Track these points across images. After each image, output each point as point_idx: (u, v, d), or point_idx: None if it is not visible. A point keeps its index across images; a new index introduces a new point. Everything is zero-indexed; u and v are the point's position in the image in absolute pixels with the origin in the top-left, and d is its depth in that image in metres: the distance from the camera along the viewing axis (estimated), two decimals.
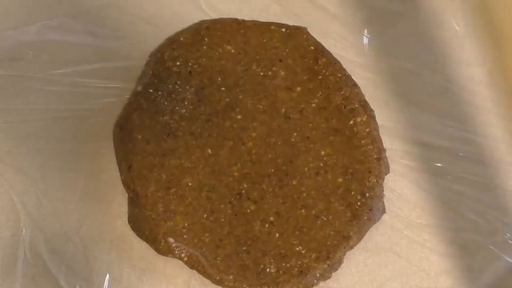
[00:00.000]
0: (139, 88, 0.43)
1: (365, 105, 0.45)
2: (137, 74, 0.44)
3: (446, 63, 0.50)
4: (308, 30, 0.47)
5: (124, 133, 0.42)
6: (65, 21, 0.46)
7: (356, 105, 0.44)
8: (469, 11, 0.52)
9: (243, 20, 0.48)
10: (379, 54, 0.49)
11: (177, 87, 0.43)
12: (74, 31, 0.46)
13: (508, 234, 0.44)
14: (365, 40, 0.50)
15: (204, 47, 0.45)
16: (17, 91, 0.44)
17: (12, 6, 0.46)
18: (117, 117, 0.43)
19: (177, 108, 0.42)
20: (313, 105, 0.44)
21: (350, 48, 0.49)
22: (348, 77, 0.46)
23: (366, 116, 0.44)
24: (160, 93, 0.43)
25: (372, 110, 0.45)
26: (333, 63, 0.46)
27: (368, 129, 0.43)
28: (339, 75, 0.45)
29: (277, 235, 0.40)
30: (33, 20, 0.46)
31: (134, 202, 0.41)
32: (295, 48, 0.46)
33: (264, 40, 0.47)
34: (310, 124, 0.44)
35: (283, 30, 0.47)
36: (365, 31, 0.50)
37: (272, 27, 0.47)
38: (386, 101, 0.48)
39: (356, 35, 0.50)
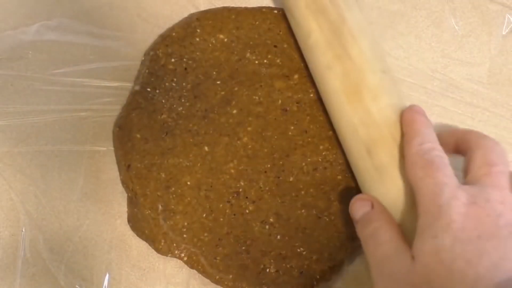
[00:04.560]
0: (137, 88, 0.43)
1: None
2: (136, 73, 0.44)
3: (446, 63, 0.50)
4: None
5: (123, 133, 0.42)
6: (64, 21, 0.46)
7: None
8: (469, 10, 0.52)
9: (234, 7, 0.47)
10: None
11: (174, 84, 0.43)
12: (73, 31, 0.46)
13: None
14: None
15: (197, 39, 0.45)
16: (16, 91, 0.44)
17: (11, 6, 0.46)
18: (116, 116, 0.43)
19: (174, 106, 0.42)
20: (311, 95, 0.44)
21: None
22: None
23: None
24: (157, 91, 0.43)
25: None
26: None
27: None
28: None
29: (278, 237, 0.40)
30: (33, 20, 0.46)
31: (134, 201, 0.41)
32: (289, 30, 0.46)
33: (257, 23, 0.46)
34: (308, 117, 0.43)
35: (275, 12, 0.46)
36: None
37: (264, 10, 0.47)
38: None
39: None
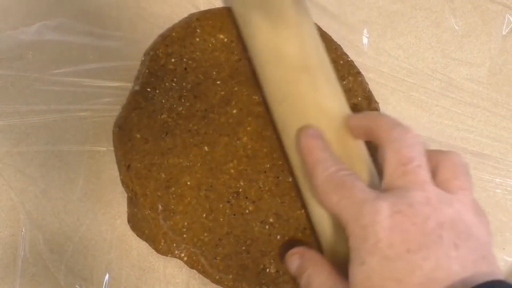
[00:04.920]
0: (137, 88, 0.43)
1: (369, 97, 0.44)
2: (136, 73, 0.44)
3: (446, 63, 0.50)
4: None
5: (123, 133, 0.42)
6: (64, 21, 0.46)
7: (360, 98, 0.44)
8: (469, 10, 0.52)
9: None
10: (379, 54, 0.49)
11: (174, 84, 0.43)
12: (73, 31, 0.46)
13: (507, 234, 0.44)
14: (365, 40, 0.50)
15: (197, 39, 0.45)
16: (16, 91, 0.44)
17: (11, 6, 0.46)
18: (116, 116, 0.43)
19: (174, 106, 0.42)
20: None
21: (350, 48, 0.49)
22: (351, 64, 0.45)
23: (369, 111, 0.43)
24: (157, 91, 0.43)
25: (376, 102, 0.44)
26: (334, 48, 0.45)
27: None
28: (341, 62, 0.45)
29: (278, 237, 0.40)
30: (33, 20, 0.46)
31: (133, 201, 0.41)
32: None
33: None
34: None
35: None
36: (365, 31, 0.50)
37: None
38: (386, 100, 0.48)
39: (356, 35, 0.50)
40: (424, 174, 0.32)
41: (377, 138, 0.34)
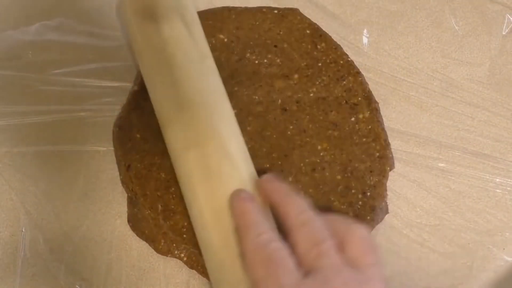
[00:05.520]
0: (136, 87, 0.43)
1: (369, 97, 0.44)
2: (136, 73, 0.44)
3: (446, 63, 0.50)
4: None
5: (123, 133, 0.42)
6: (64, 21, 0.46)
7: (359, 98, 0.44)
8: (469, 10, 0.52)
9: (234, 7, 0.47)
10: (379, 54, 0.49)
11: None
12: (73, 31, 0.46)
13: (507, 234, 0.44)
14: (365, 40, 0.50)
15: None
16: (16, 91, 0.44)
17: (12, 6, 0.46)
18: (116, 116, 0.43)
19: None
20: (311, 94, 0.44)
21: (350, 48, 0.49)
22: (351, 64, 0.45)
23: (369, 112, 0.43)
24: None
25: (376, 102, 0.44)
26: (334, 48, 0.45)
27: (370, 126, 0.43)
28: (341, 62, 0.45)
29: None
30: (33, 20, 0.46)
31: (133, 201, 0.41)
32: (289, 30, 0.46)
33: (257, 23, 0.46)
34: (307, 116, 0.43)
35: (275, 11, 0.46)
36: (365, 31, 0.50)
37: (264, 10, 0.46)
38: (386, 100, 0.47)
39: (355, 35, 0.50)
40: (333, 253, 0.31)
41: (284, 219, 0.34)
